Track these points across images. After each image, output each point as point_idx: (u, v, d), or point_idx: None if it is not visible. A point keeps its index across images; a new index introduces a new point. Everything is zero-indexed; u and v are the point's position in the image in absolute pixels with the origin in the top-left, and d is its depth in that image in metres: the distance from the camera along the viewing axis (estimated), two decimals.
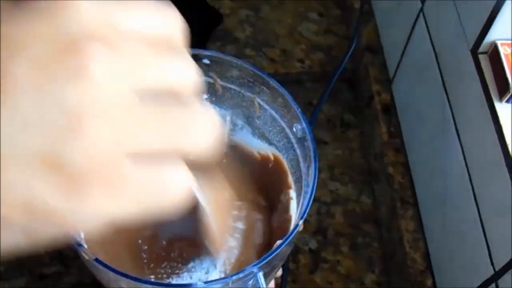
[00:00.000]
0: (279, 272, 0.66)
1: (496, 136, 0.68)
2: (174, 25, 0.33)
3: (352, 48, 0.96)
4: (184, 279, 0.61)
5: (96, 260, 0.51)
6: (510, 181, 0.65)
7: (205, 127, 0.33)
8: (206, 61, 0.64)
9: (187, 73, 0.33)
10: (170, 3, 0.33)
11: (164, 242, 0.63)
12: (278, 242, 0.53)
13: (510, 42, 0.70)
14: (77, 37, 0.29)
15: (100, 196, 0.30)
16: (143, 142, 0.30)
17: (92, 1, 0.30)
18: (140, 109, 0.30)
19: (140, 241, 0.63)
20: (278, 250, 0.52)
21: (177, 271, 0.62)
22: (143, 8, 0.32)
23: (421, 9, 0.88)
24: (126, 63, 0.30)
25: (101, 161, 0.29)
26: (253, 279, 0.51)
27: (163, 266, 0.62)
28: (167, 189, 0.32)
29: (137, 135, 0.30)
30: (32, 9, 0.29)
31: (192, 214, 0.52)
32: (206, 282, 0.49)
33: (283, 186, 0.67)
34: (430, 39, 0.85)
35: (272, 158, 0.68)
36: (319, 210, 0.97)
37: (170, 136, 0.31)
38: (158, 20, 0.32)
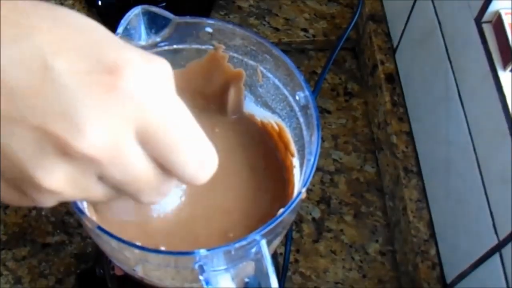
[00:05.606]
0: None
1: (500, 105, 0.67)
2: None
3: (356, 17, 0.95)
4: None
5: (99, 228, 0.50)
6: None
7: None
8: (209, 29, 0.64)
9: None
10: None
11: None
12: (281, 210, 0.53)
13: None
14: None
15: None
16: None
17: None
18: None
19: None
20: (281, 218, 0.52)
21: None
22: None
23: None
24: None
25: None
26: (255, 246, 0.51)
27: None
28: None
29: None
30: None
31: None
32: (208, 250, 0.49)
33: (286, 154, 0.67)
34: (434, 8, 0.85)
35: (275, 126, 0.68)
36: (322, 179, 0.97)
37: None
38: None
